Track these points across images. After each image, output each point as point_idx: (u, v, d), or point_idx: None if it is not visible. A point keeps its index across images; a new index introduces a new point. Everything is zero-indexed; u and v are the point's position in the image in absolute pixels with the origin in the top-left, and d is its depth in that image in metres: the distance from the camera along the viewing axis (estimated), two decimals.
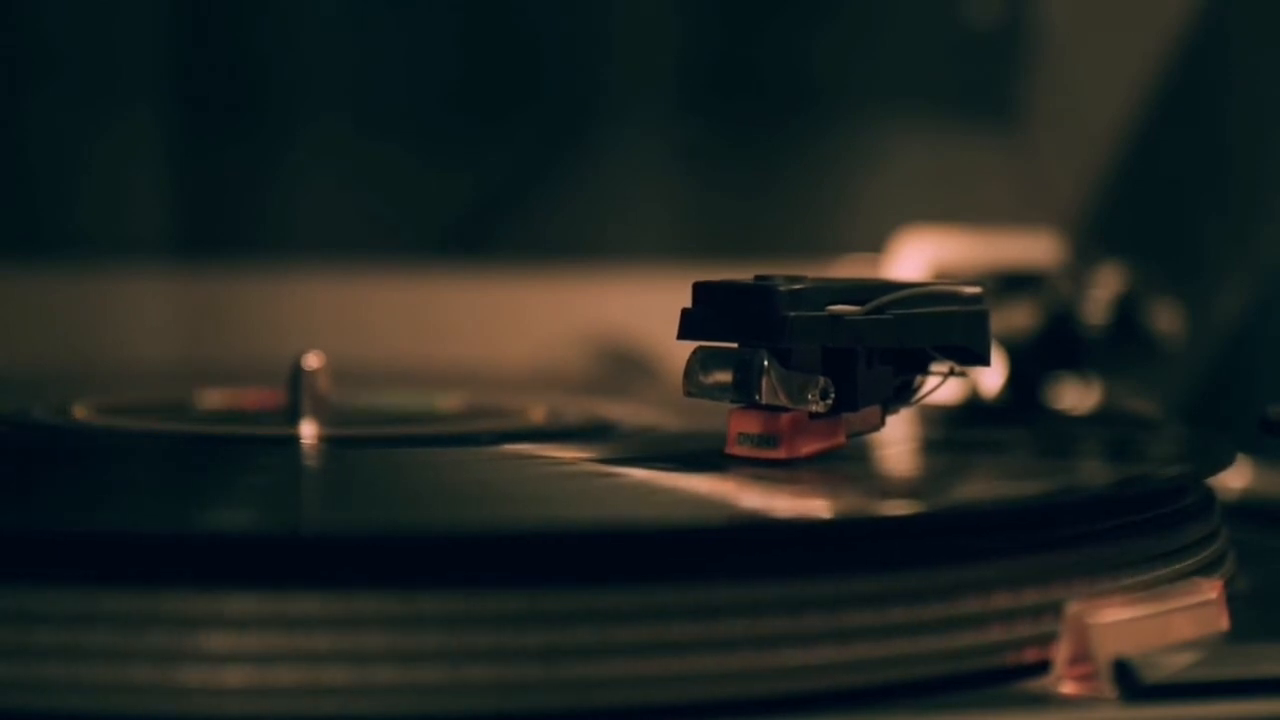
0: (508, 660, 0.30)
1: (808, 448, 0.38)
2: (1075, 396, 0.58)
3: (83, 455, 0.43)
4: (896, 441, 0.43)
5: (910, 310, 0.38)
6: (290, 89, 0.73)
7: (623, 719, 0.30)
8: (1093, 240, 0.69)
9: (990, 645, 0.33)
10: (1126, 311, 0.58)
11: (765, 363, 0.37)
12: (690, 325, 0.38)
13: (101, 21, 0.72)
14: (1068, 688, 0.32)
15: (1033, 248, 0.62)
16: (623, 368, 0.70)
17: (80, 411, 0.49)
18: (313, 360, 0.45)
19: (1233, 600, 0.36)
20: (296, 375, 0.45)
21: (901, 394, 0.40)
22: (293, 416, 0.45)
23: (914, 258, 0.62)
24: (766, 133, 0.78)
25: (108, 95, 0.72)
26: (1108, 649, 0.32)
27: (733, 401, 0.38)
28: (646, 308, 0.65)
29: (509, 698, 0.30)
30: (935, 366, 0.40)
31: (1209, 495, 0.41)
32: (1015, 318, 0.58)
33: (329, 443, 0.43)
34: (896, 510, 0.35)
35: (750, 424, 0.38)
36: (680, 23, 0.77)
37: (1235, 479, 0.51)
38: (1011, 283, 0.59)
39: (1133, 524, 0.36)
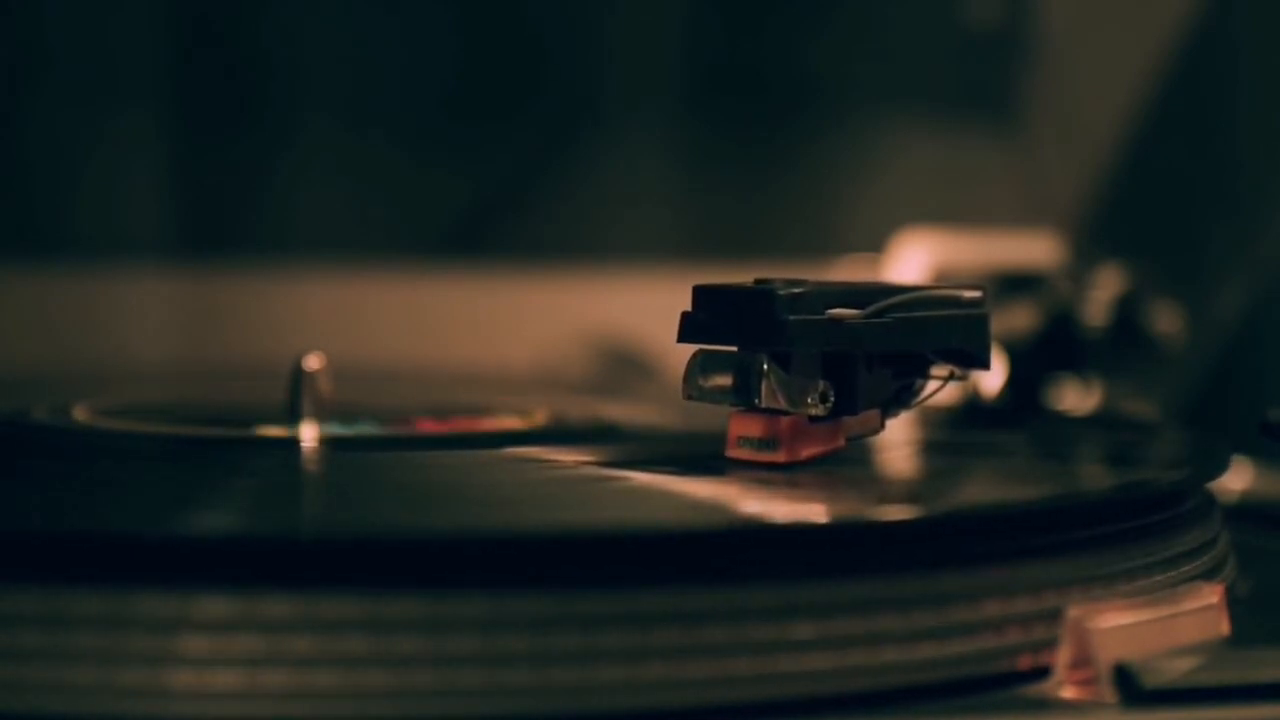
0: (502, 665, 0.30)
1: (807, 451, 0.38)
2: (1075, 398, 0.58)
3: (81, 456, 0.43)
4: (897, 444, 0.43)
5: (910, 314, 0.38)
6: (290, 89, 0.73)
7: None
8: (1093, 241, 0.69)
9: (991, 650, 0.33)
10: (1126, 312, 0.58)
11: (765, 366, 0.37)
12: (690, 329, 0.38)
13: (100, 21, 0.72)
14: (1068, 692, 0.32)
15: (1033, 248, 0.62)
16: (623, 369, 0.70)
17: (79, 412, 0.48)
18: (313, 361, 0.45)
19: (1234, 604, 0.36)
20: (296, 375, 0.45)
21: (901, 397, 0.40)
22: (293, 417, 0.45)
23: (914, 258, 0.62)
24: (767, 133, 0.78)
25: (107, 95, 0.72)
26: (1109, 653, 0.32)
27: (733, 405, 0.38)
28: (646, 308, 0.65)
29: (499, 702, 0.30)
30: (935, 370, 0.40)
31: (1210, 499, 0.41)
32: (1015, 319, 0.58)
33: (329, 444, 0.43)
34: (896, 515, 0.35)
35: (750, 427, 0.38)
36: (680, 23, 0.76)
37: (1235, 481, 0.51)
38: (1011, 284, 0.59)
39: (1133, 528, 0.36)
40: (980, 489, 0.41)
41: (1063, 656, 0.32)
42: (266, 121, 0.73)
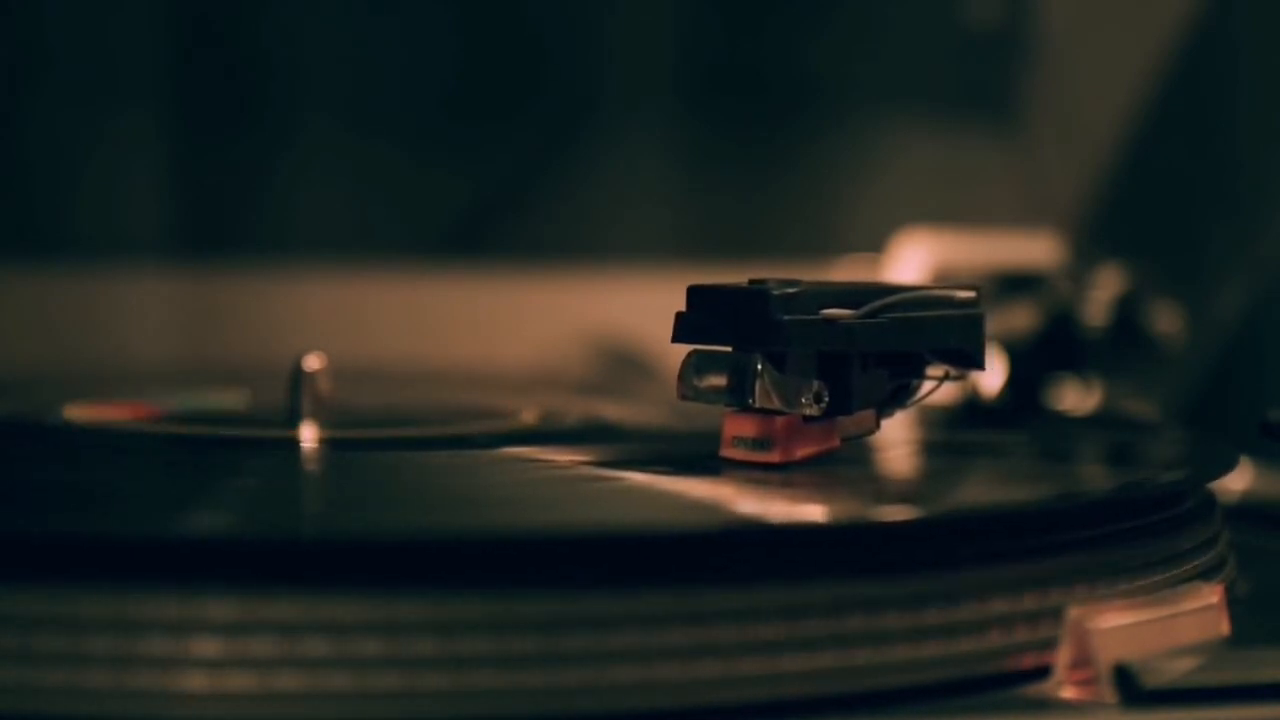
0: (501, 666, 0.30)
1: (802, 451, 0.38)
2: (1075, 398, 0.58)
3: (81, 457, 0.43)
4: (895, 444, 0.43)
5: (905, 314, 0.38)
6: (290, 89, 0.73)
7: None
8: (1093, 240, 0.69)
9: (991, 650, 0.33)
10: (1126, 312, 0.58)
11: (759, 367, 0.37)
12: (684, 329, 0.38)
13: (100, 21, 0.72)
14: (1068, 693, 0.32)
15: (1033, 248, 0.62)
16: (621, 368, 0.70)
17: (78, 412, 0.48)
18: (313, 361, 0.45)
19: (1234, 604, 0.35)
20: (296, 376, 0.45)
21: (897, 397, 0.40)
22: (293, 418, 0.45)
23: (914, 258, 0.62)
24: (766, 133, 0.78)
25: (107, 95, 0.72)
26: (1109, 654, 0.32)
27: (727, 405, 0.38)
28: (645, 308, 0.64)
29: (495, 704, 0.30)
30: (930, 370, 0.40)
31: (1210, 499, 0.41)
32: (1015, 319, 0.58)
33: (328, 445, 0.43)
34: (894, 515, 0.35)
35: (745, 427, 0.38)
36: (680, 23, 0.76)
37: (1236, 481, 0.51)
38: (1011, 284, 0.59)
39: (1134, 528, 0.36)
40: (980, 489, 0.40)
41: (1063, 656, 0.32)
42: (266, 121, 0.73)
